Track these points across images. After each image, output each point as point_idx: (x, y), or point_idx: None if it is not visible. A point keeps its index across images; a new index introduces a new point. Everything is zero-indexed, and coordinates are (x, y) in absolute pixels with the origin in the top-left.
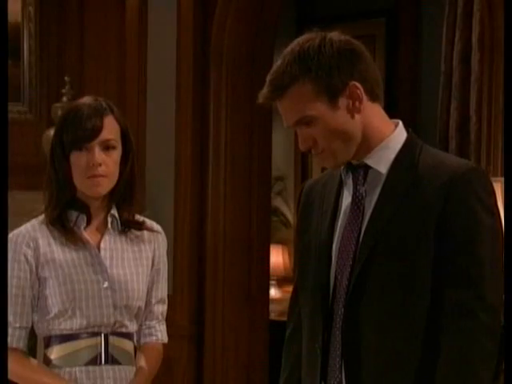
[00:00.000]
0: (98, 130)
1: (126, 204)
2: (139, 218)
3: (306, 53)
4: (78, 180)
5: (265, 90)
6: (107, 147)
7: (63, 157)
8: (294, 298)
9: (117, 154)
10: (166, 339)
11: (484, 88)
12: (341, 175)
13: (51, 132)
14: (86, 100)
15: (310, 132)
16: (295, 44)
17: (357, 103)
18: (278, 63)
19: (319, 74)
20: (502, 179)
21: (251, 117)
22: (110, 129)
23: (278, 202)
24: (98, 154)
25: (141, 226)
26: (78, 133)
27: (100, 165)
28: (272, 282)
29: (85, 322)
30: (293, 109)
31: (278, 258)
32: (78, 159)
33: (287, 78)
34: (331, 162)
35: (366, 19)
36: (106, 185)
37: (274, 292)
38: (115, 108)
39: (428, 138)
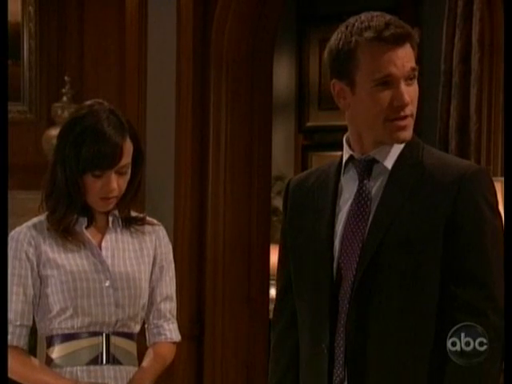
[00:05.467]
0: (117, 161)
1: (126, 202)
2: (139, 214)
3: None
4: (89, 198)
5: (392, 30)
6: (122, 172)
7: (78, 175)
8: (282, 299)
9: (129, 173)
10: (176, 338)
11: (484, 88)
12: (337, 170)
13: (51, 132)
14: (104, 113)
15: (410, 90)
16: (382, 13)
17: None
18: (386, 17)
19: (416, 44)
20: (502, 179)
21: (251, 116)
22: (127, 154)
23: (278, 201)
24: (114, 181)
25: (142, 221)
26: (96, 159)
27: (115, 189)
28: (272, 282)
29: (86, 321)
30: (411, 56)
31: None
32: (92, 183)
33: (411, 31)
34: (407, 133)
35: None
36: (116, 201)
37: (273, 292)
38: (130, 123)
39: (428, 138)
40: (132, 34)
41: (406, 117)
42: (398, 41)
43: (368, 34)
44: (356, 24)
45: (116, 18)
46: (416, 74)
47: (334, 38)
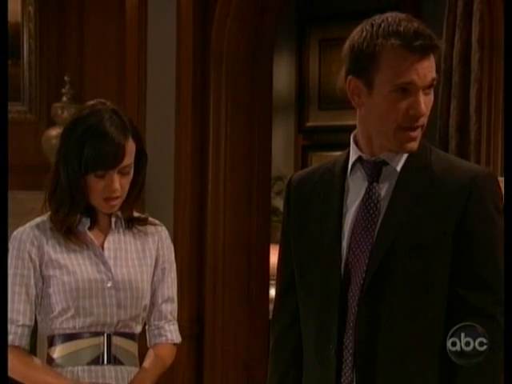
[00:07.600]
0: (119, 160)
1: (129, 203)
2: (141, 215)
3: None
4: (92, 199)
5: (421, 41)
6: (124, 172)
7: (80, 175)
8: (282, 299)
9: (132, 173)
10: (177, 339)
11: (484, 88)
12: (342, 170)
13: (51, 132)
14: (107, 113)
15: (427, 100)
16: (408, 17)
17: None
18: (415, 24)
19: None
20: (502, 179)
21: (251, 117)
22: (130, 154)
23: (277, 202)
24: (116, 181)
25: (144, 222)
26: (98, 159)
27: (117, 190)
28: (272, 282)
29: (88, 321)
30: (434, 67)
31: (277, 257)
32: (95, 183)
33: (437, 43)
34: (415, 144)
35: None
36: (119, 202)
37: (273, 292)
38: (132, 122)
39: (428, 138)
40: (132, 34)
41: (417, 127)
42: (425, 52)
43: (395, 41)
44: (382, 25)
45: (116, 18)
46: (434, 83)
47: (358, 36)
